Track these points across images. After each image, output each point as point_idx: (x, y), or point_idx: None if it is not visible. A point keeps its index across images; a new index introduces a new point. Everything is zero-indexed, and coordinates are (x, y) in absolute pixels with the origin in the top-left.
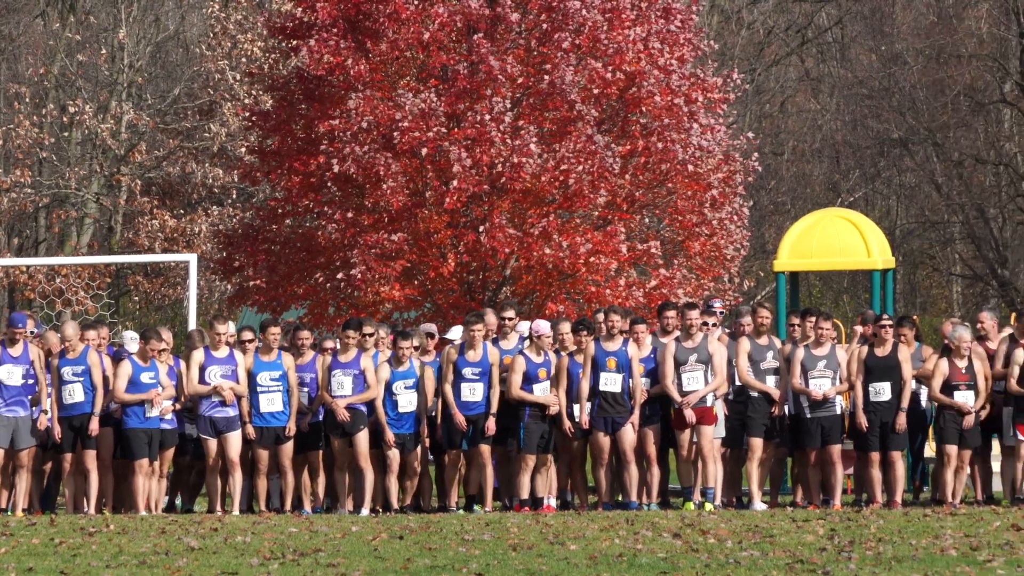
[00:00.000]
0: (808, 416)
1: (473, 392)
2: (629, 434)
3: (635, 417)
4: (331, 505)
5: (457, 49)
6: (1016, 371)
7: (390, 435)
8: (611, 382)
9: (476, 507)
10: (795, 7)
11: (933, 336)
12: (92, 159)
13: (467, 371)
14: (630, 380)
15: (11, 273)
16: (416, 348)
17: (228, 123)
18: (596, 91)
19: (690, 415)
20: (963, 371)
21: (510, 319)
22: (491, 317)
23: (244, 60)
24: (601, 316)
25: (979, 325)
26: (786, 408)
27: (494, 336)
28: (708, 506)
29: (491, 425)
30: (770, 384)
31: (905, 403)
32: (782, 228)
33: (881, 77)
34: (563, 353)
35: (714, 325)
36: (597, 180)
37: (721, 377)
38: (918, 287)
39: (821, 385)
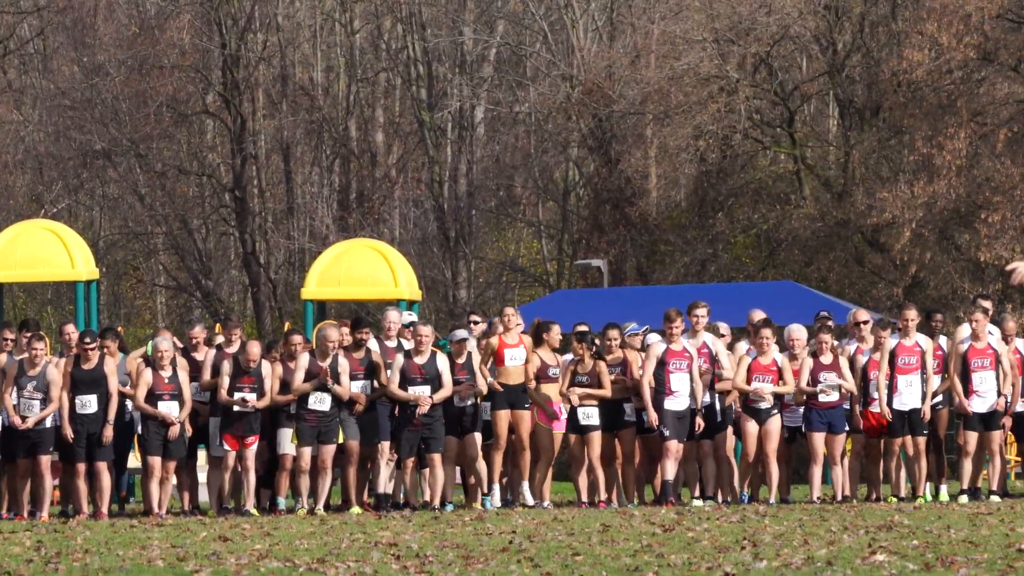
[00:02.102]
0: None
1: None
2: None
3: None
4: None
5: None
6: (226, 381)
7: None
8: None
9: None
10: None
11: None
12: None
13: None
14: None
15: None
16: None
17: None
18: None
19: None
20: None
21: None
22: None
23: None
24: None
25: (190, 337)
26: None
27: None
28: None
29: None
30: None
31: (111, 416)
32: None
33: (84, 88)
34: None
35: None
36: None
37: None
38: (123, 298)
39: (32, 407)
